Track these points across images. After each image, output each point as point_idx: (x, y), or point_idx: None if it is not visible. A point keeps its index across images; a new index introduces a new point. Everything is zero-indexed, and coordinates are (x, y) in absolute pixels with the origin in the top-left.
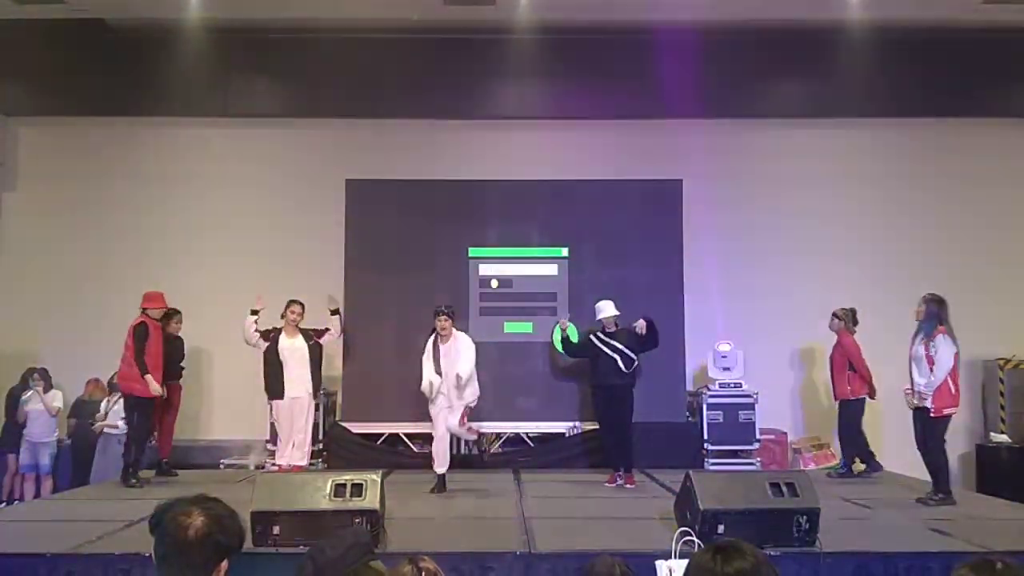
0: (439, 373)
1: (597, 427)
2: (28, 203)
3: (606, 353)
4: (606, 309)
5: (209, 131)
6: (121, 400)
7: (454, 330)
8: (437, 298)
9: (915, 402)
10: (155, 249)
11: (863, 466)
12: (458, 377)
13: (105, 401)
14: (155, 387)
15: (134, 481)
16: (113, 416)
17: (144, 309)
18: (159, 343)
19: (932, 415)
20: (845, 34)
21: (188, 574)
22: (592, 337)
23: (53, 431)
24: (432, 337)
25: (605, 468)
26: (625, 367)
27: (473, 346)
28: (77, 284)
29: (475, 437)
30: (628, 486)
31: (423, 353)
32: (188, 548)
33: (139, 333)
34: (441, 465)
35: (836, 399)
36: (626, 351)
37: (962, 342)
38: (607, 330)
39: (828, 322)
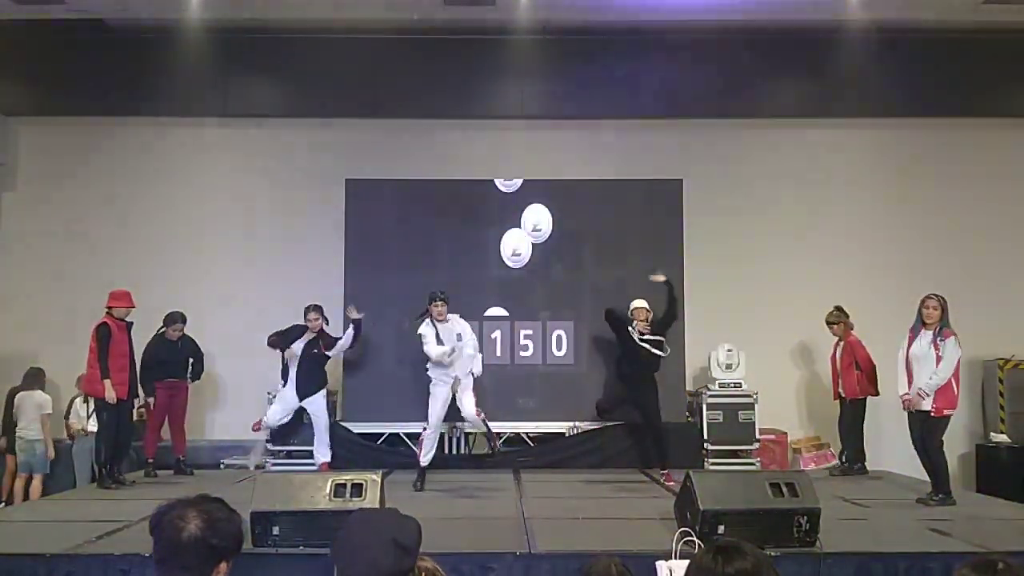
0: None
1: (616, 424)
2: (28, 203)
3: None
4: (635, 303)
5: (209, 131)
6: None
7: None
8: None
9: (914, 406)
10: (155, 249)
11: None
12: (471, 373)
13: (79, 402)
14: (111, 394)
15: (110, 483)
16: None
17: (108, 308)
18: (124, 344)
19: (933, 415)
20: (845, 34)
21: None
22: (630, 329)
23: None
24: (428, 323)
25: (604, 468)
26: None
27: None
28: (77, 284)
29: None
30: (669, 483)
31: (423, 342)
32: (182, 551)
33: (100, 335)
34: (426, 456)
35: (839, 398)
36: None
37: (962, 342)
38: (639, 328)
39: (827, 330)
